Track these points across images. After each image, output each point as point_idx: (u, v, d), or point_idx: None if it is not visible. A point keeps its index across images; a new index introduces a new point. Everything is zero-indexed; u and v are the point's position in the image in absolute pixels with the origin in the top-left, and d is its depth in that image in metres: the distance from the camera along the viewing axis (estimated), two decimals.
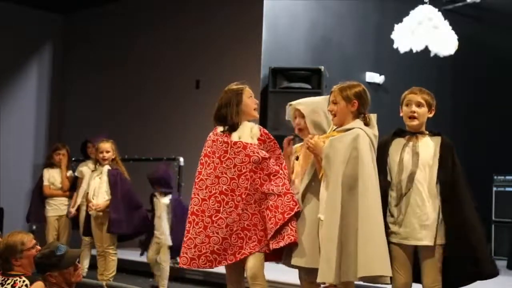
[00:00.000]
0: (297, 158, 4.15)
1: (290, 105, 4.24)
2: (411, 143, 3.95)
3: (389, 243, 3.80)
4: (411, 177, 3.85)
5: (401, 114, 4.05)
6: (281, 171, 4.08)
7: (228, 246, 4.05)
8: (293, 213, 3.94)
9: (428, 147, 3.93)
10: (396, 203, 3.87)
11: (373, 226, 3.54)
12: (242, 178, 4.07)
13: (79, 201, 7.23)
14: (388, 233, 3.81)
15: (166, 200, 6.23)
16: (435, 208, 3.84)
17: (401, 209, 3.86)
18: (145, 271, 6.78)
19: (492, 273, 3.88)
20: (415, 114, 3.94)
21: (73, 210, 7.32)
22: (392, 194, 3.89)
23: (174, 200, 6.27)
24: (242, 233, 4.05)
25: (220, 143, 4.18)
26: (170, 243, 6.16)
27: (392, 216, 3.88)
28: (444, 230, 3.83)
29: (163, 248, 6.20)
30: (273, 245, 3.97)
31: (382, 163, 3.89)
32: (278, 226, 3.92)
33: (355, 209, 3.57)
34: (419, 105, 3.95)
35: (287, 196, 3.99)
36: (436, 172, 3.87)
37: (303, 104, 4.16)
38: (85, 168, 7.30)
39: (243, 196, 4.06)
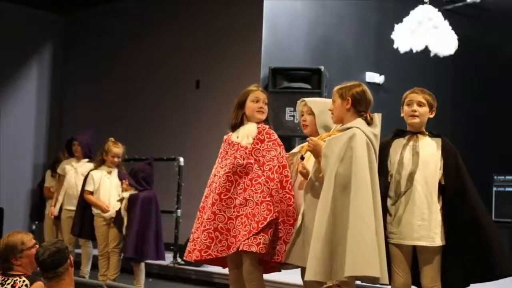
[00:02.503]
0: (302, 158, 4.14)
1: (303, 101, 4.24)
2: (411, 143, 3.95)
3: (388, 243, 3.81)
4: (411, 177, 3.85)
5: (402, 115, 4.05)
6: (262, 177, 4.06)
7: (198, 241, 4.09)
8: (266, 222, 3.95)
9: (429, 148, 3.93)
10: (393, 202, 3.88)
11: (363, 226, 3.51)
12: (224, 178, 4.10)
13: (61, 199, 7.12)
14: (386, 233, 3.81)
15: (126, 194, 6.16)
16: (435, 208, 3.84)
17: (398, 208, 3.86)
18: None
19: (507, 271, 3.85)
20: (416, 113, 3.95)
21: (54, 210, 7.16)
22: (391, 193, 3.89)
23: (134, 196, 6.14)
24: (213, 234, 4.05)
25: (227, 144, 4.28)
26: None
27: (390, 215, 3.88)
28: (446, 231, 3.82)
29: None
30: (244, 247, 3.94)
31: (383, 165, 3.89)
32: (251, 235, 3.93)
33: (346, 208, 3.55)
34: (420, 104, 3.96)
35: (263, 205, 3.99)
36: (437, 173, 3.87)
37: (315, 103, 4.17)
38: (68, 166, 7.20)
39: (222, 197, 4.08)
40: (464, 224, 3.80)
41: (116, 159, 6.56)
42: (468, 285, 3.93)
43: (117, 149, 6.55)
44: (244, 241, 3.94)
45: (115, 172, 6.55)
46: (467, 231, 3.80)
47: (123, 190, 6.30)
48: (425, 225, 3.81)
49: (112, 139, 6.60)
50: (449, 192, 3.85)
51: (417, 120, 3.96)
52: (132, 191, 6.17)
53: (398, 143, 3.99)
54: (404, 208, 3.84)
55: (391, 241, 3.86)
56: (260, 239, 3.95)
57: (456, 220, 3.82)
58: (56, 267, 3.45)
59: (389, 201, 3.89)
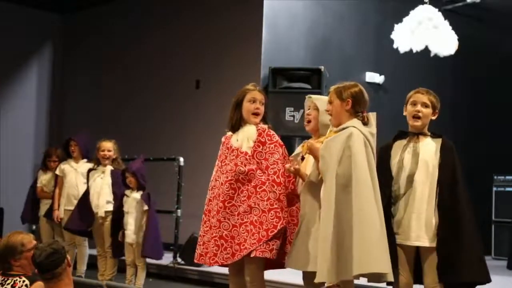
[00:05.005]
0: (302, 158, 4.13)
1: (310, 97, 4.24)
2: (412, 144, 3.97)
3: (392, 243, 3.81)
4: (410, 178, 3.86)
5: (404, 113, 4.06)
6: (267, 183, 4.04)
7: (206, 248, 4.13)
8: (276, 230, 3.96)
9: (429, 148, 3.94)
10: (394, 202, 3.89)
11: (367, 223, 3.52)
12: (226, 185, 4.09)
13: (63, 201, 7.05)
14: (390, 234, 3.82)
15: (137, 195, 6.15)
16: (432, 209, 3.85)
17: (398, 209, 3.87)
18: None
19: (482, 280, 3.85)
20: (420, 114, 3.96)
21: (58, 213, 7.05)
22: (392, 194, 3.90)
23: (146, 194, 6.15)
24: (219, 241, 4.07)
25: (225, 147, 4.24)
26: (131, 239, 6.08)
27: (392, 216, 3.88)
28: (438, 232, 3.83)
29: (137, 247, 6.12)
30: (257, 253, 3.96)
31: (385, 167, 3.90)
32: (261, 243, 3.94)
33: (349, 207, 3.55)
34: (424, 105, 3.97)
35: (271, 213, 3.99)
36: (436, 174, 3.87)
37: (321, 101, 4.14)
38: (67, 167, 7.13)
39: (226, 204, 4.07)
40: (451, 225, 3.81)
41: (106, 153, 6.49)
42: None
43: (106, 143, 6.52)
44: (256, 248, 3.94)
45: (108, 171, 6.51)
46: (453, 233, 3.80)
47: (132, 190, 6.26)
48: (426, 226, 3.82)
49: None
50: (442, 190, 3.85)
51: (419, 123, 3.97)
52: (136, 191, 6.18)
53: (399, 144, 4.00)
54: (404, 209, 3.86)
55: (396, 241, 3.87)
56: (273, 245, 3.98)
57: (445, 220, 3.82)
58: (54, 268, 3.45)
59: (392, 203, 3.89)
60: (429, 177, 3.86)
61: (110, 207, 6.44)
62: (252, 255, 3.97)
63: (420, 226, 3.82)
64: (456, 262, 3.77)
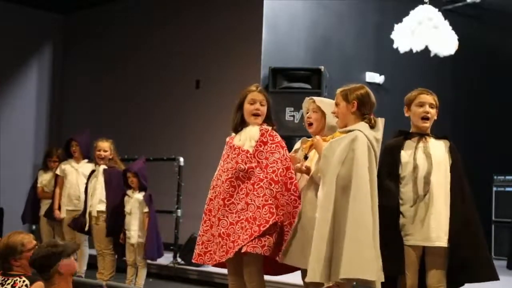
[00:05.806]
0: (305, 157, 4.12)
1: (311, 98, 4.22)
2: (421, 144, 3.96)
3: (399, 246, 3.82)
4: (427, 179, 3.86)
5: (406, 115, 4.05)
6: (264, 180, 4.04)
7: (206, 248, 4.15)
8: (268, 225, 3.94)
9: (438, 149, 3.96)
10: (411, 204, 3.87)
11: (360, 228, 3.51)
12: (227, 183, 4.10)
13: (64, 200, 7.07)
14: (401, 235, 3.84)
15: (139, 195, 6.15)
16: (447, 210, 3.86)
17: (417, 210, 3.86)
18: None
19: (493, 278, 3.88)
20: (429, 115, 3.97)
21: (58, 213, 7.06)
22: (404, 195, 3.90)
23: (148, 195, 6.15)
24: (217, 239, 4.07)
25: (228, 147, 4.25)
26: (135, 240, 6.09)
27: (404, 217, 3.88)
28: (451, 233, 3.84)
29: (138, 248, 6.12)
30: (248, 249, 3.94)
31: (393, 167, 3.91)
32: (253, 238, 3.93)
33: (346, 210, 3.55)
34: (431, 106, 3.98)
35: (265, 208, 3.97)
36: (448, 175, 3.89)
37: (325, 103, 4.15)
38: (68, 167, 7.12)
39: (226, 202, 4.08)
40: (460, 225, 3.83)
41: (102, 153, 6.49)
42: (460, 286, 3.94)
43: (103, 143, 6.52)
44: (247, 243, 3.93)
45: (101, 170, 6.49)
46: (462, 232, 3.82)
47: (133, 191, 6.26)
48: (442, 227, 3.84)
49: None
50: (453, 193, 3.87)
51: (428, 124, 3.99)
52: (137, 191, 6.18)
53: (408, 145, 3.99)
54: (425, 211, 3.85)
55: (407, 243, 3.87)
56: (265, 241, 3.95)
57: (454, 220, 3.84)
58: (44, 269, 3.45)
59: (402, 203, 3.89)
60: (443, 179, 3.88)
61: (102, 207, 6.44)
62: (243, 250, 3.96)
63: (440, 226, 3.83)
64: (470, 262, 3.80)
